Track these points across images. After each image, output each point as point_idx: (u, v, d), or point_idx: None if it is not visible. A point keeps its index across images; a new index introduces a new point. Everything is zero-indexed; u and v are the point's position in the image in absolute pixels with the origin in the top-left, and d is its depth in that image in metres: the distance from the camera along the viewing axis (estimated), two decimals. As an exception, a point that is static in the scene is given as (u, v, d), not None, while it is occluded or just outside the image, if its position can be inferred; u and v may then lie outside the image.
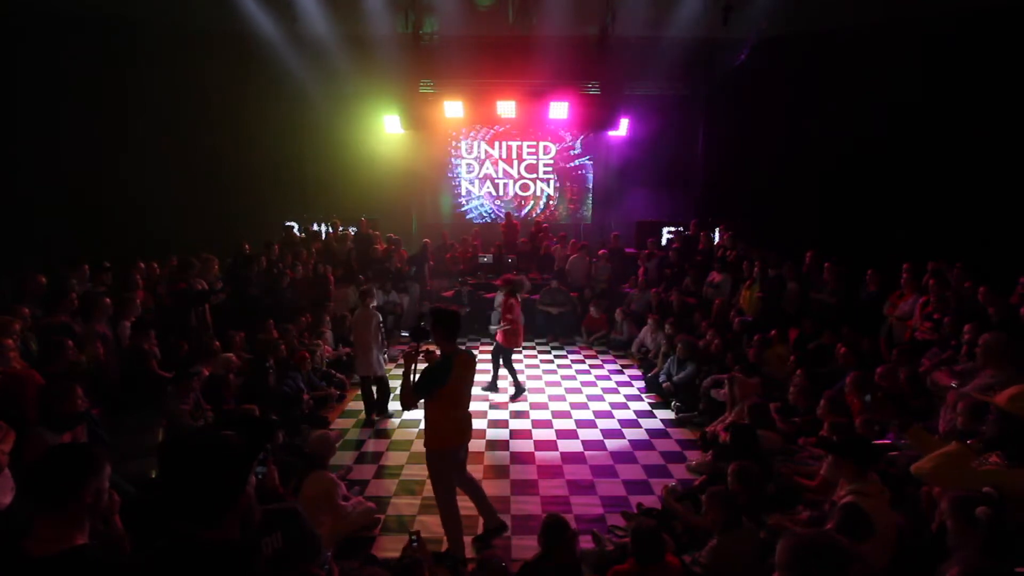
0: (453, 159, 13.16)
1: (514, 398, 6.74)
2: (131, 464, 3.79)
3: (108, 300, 5.33)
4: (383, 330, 6.61)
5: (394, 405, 6.37)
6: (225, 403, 5.03)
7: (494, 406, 6.59)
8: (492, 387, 6.96)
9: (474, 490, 3.94)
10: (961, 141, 7.69)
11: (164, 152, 9.28)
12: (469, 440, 3.82)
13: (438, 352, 3.71)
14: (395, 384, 6.55)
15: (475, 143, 13.10)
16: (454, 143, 13.08)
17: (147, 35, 8.70)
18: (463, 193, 13.30)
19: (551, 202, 13.30)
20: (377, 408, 6.26)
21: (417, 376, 3.59)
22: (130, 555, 2.53)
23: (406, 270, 9.99)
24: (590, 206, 13.28)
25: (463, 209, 13.36)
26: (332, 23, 9.49)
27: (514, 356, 7.17)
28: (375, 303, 6.70)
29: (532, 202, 13.30)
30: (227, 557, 1.47)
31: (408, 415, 6.15)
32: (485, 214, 13.34)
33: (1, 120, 7.35)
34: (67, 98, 8.04)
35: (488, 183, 13.26)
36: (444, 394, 3.53)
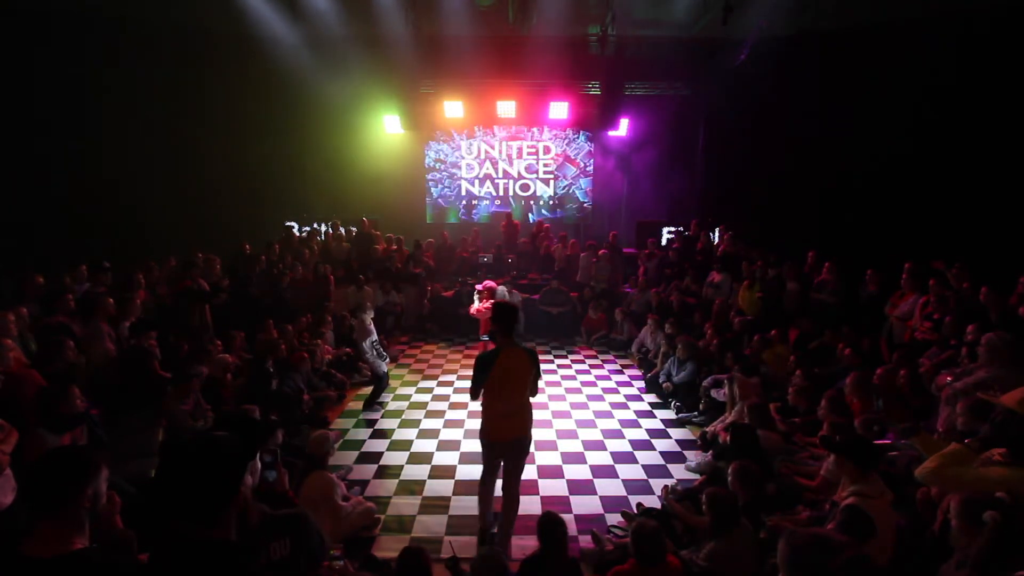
0: (428, 154, 13.13)
1: None
2: (131, 464, 3.78)
3: (111, 300, 5.34)
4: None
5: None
6: (223, 404, 5.02)
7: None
8: None
9: (508, 510, 3.87)
10: (961, 140, 7.69)
11: (164, 152, 9.28)
12: (514, 439, 3.74)
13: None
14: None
15: (475, 143, 13.10)
16: (438, 141, 13.07)
17: (147, 35, 8.69)
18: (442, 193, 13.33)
19: (551, 202, 13.31)
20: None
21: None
22: (132, 557, 2.53)
23: (408, 271, 9.98)
24: (590, 206, 13.28)
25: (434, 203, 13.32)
26: (332, 23, 9.49)
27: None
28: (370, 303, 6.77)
29: (533, 202, 13.32)
30: (225, 557, 1.47)
31: (408, 415, 6.27)
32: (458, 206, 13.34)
33: (0, 120, 7.34)
34: (67, 98, 8.04)
35: (488, 183, 13.26)
36: (488, 387, 3.66)
